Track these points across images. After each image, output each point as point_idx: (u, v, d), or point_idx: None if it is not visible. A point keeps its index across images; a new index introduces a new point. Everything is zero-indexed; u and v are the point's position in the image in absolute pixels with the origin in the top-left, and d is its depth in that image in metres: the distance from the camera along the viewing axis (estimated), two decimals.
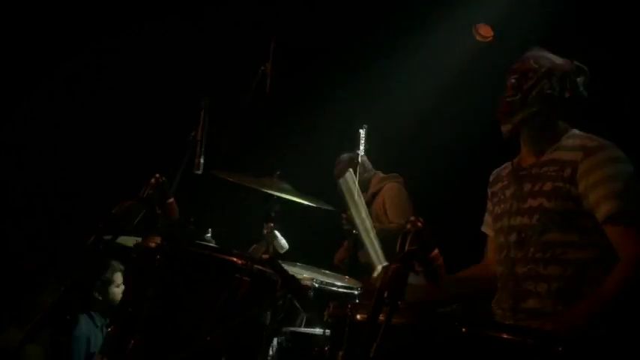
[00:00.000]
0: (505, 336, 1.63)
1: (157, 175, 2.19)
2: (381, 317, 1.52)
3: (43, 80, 5.29)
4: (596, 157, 2.20)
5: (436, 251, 1.70)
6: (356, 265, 4.02)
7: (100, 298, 4.26)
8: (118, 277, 4.33)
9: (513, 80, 2.34)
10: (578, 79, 2.34)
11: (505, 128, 2.34)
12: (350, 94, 5.15)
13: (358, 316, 1.76)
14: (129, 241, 2.51)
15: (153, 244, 2.21)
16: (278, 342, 2.32)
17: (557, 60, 2.36)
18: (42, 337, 3.58)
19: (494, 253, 2.48)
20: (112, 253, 1.94)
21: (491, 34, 4.89)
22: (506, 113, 2.33)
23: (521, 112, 2.31)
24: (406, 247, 1.63)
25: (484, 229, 2.60)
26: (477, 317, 1.82)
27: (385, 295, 1.55)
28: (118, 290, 4.33)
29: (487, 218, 2.58)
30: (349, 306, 1.78)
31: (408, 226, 1.66)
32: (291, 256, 3.36)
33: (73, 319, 3.44)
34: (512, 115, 2.32)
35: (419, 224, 1.66)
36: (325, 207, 3.36)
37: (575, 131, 2.36)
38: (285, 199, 3.42)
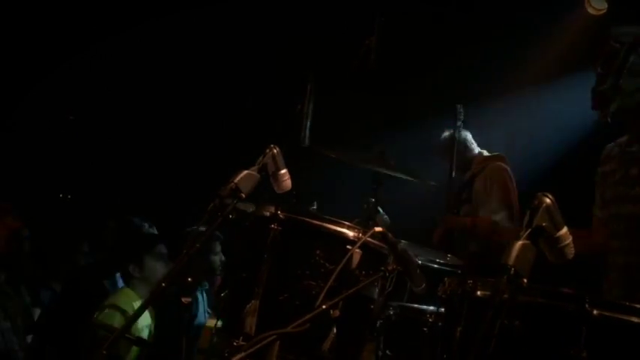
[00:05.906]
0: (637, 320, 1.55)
1: (272, 146, 2.22)
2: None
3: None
4: None
5: (565, 230, 1.62)
6: (454, 243, 3.94)
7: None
8: (217, 246, 4.47)
9: (600, 69, 2.25)
10: None
11: (603, 119, 2.24)
12: (452, 71, 5.01)
13: (479, 293, 1.72)
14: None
15: (267, 213, 2.25)
16: (386, 315, 2.33)
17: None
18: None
19: (597, 233, 2.41)
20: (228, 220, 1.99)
21: (605, 6, 4.60)
22: (601, 104, 2.24)
23: (616, 98, 2.21)
24: (534, 223, 1.57)
25: (594, 209, 2.52)
26: (606, 299, 1.74)
27: (511, 272, 1.50)
28: (216, 258, 4.47)
29: (597, 198, 2.49)
30: (469, 282, 1.74)
31: (536, 201, 1.60)
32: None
33: (196, 281, 3.58)
34: (608, 105, 2.22)
35: (548, 200, 1.59)
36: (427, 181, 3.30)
37: None
38: (385, 175, 3.41)
